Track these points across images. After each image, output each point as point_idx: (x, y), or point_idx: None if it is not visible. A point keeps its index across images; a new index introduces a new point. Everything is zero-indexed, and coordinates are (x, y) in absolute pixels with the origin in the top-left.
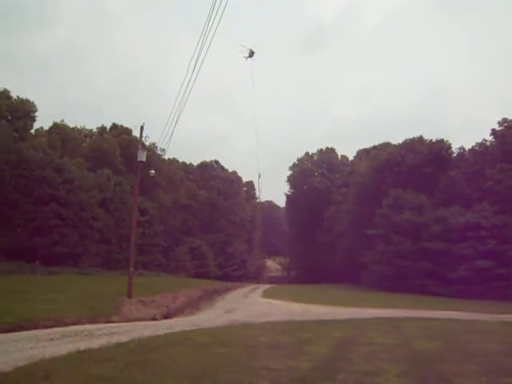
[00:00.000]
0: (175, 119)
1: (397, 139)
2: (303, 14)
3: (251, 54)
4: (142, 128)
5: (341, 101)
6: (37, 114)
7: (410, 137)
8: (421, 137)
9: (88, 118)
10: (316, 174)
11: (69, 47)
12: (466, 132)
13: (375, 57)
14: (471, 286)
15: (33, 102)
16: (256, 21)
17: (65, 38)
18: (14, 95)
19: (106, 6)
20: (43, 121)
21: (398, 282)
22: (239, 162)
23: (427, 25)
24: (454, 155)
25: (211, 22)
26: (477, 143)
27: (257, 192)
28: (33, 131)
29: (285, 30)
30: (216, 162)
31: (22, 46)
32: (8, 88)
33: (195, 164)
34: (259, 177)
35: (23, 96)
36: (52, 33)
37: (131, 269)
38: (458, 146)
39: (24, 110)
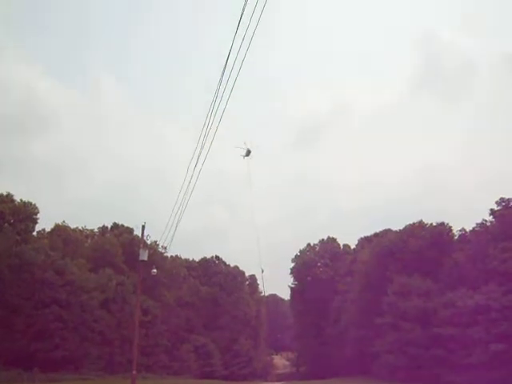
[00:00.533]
0: (176, 219)
1: (397, 225)
2: (297, 112)
3: (248, 152)
4: (143, 227)
5: (339, 191)
6: (39, 215)
7: (410, 222)
8: (421, 221)
9: (89, 217)
10: (319, 265)
11: (69, 150)
12: (466, 213)
13: (370, 146)
14: (486, 371)
15: (35, 205)
16: (252, 116)
17: (65, 141)
18: (17, 198)
19: (104, 110)
20: (45, 222)
21: (411, 372)
22: (241, 256)
23: (419, 112)
24: (456, 237)
25: (209, 121)
26: (477, 224)
27: (260, 287)
28: (35, 233)
29: (280, 126)
30: (217, 257)
31: (23, 150)
32: (11, 192)
33: (197, 259)
34: (262, 271)
35: (25, 199)
36: (53, 136)
37: (134, 372)
38: (459, 228)
39: (26, 213)
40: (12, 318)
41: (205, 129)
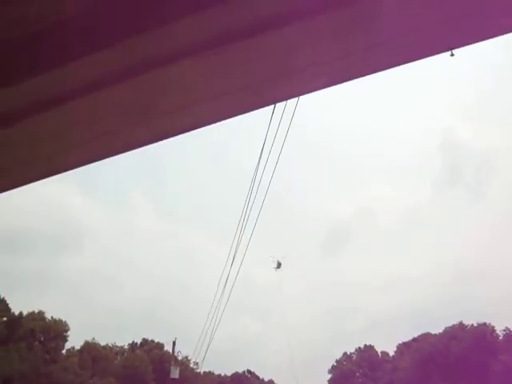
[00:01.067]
0: (209, 335)
1: (436, 328)
2: (322, 216)
3: (279, 265)
4: (174, 344)
5: (372, 294)
6: (69, 333)
7: (450, 324)
8: (461, 322)
9: (119, 333)
10: (357, 375)
11: (97, 267)
12: (506, 310)
13: (399, 249)
14: None
15: (65, 322)
16: (279, 224)
17: (95, 259)
18: (48, 316)
19: (133, 224)
20: (75, 340)
21: None
22: (273, 369)
23: (447, 211)
24: (501, 338)
25: (239, 237)
26: None
27: None
28: (64, 351)
29: (305, 234)
30: (249, 371)
31: (53, 266)
32: (43, 309)
33: (229, 373)
34: None
35: (56, 316)
36: (84, 255)
37: None
38: (503, 328)
39: (57, 331)
40: None
41: (234, 246)
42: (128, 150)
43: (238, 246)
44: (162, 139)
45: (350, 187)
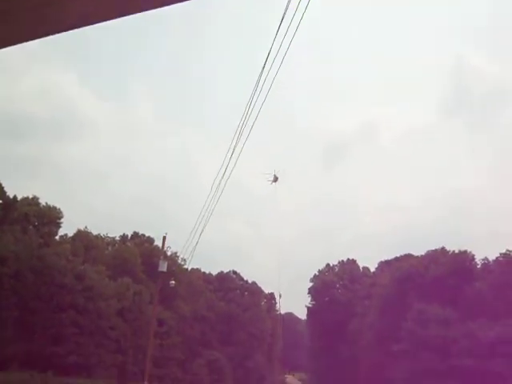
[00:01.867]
0: (198, 232)
1: (419, 250)
2: (323, 131)
3: (276, 179)
4: (164, 238)
5: (362, 213)
6: (62, 220)
7: (432, 248)
8: (443, 248)
9: (111, 226)
10: (337, 286)
11: (95, 159)
12: (491, 240)
13: (396, 168)
14: None
15: (59, 209)
16: (278, 136)
17: (93, 148)
18: (42, 201)
19: (134, 122)
20: (68, 227)
21: None
22: (259, 273)
23: (446, 136)
24: (479, 266)
25: (237, 140)
26: (501, 254)
27: (277, 306)
28: (57, 237)
29: (306, 146)
30: (234, 272)
31: (54, 153)
32: (37, 195)
33: (214, 273)
34: (280, 297)
35: (50, 203)
36: (81, 146)
37: (146, 383)
38: (482, 257)
39: (51, 217)
40: (30, 319)
41: (232, 147)
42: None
43: (235, 147)
44: None
45: (353, 106)
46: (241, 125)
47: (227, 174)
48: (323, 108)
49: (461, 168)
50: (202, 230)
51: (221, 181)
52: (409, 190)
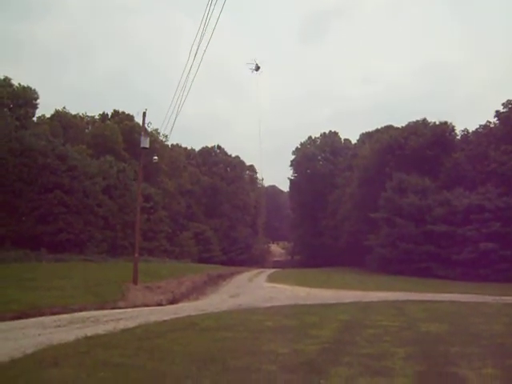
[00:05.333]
0: (178, 105)
1: (400, 122)
2: (304, 1)
3: (257, 67)
4: (144, 114)
5: (343, 85)
6: (38, 101)
7: (414, 120)
8: (424, 119)
9: (89, 104)
10: (319, 158)
11: (70, 35)
12: (471, 114)
13: (376, 40)
14: (475, 269)
15: (34, 90)
16: (258, 5)
17: (66, 25)
18: (15, 83)
19: None
20: (45, 109)
21: (402, 265)
22: (242, 145)
23: (429, 6)
24: (458, 137)
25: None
26: (480, 125)
27: (259, 175)
28: (35, 119)
29: (285, 15)
30: (218, 147)
31: (24, 34)
32: (9, 76)
33: (197, 149)
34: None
35: (25, 83)
36: (54, 21)
37: (136, 255)
38: (462, 129)
39: (26, 98)
40: (15, 202)
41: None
42: None
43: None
44: None
45: None
46: None
47: (206, 41)
48: None
49: (444, 41)
50: (182, 102)
51: (198, 46)
52: (393, 63)
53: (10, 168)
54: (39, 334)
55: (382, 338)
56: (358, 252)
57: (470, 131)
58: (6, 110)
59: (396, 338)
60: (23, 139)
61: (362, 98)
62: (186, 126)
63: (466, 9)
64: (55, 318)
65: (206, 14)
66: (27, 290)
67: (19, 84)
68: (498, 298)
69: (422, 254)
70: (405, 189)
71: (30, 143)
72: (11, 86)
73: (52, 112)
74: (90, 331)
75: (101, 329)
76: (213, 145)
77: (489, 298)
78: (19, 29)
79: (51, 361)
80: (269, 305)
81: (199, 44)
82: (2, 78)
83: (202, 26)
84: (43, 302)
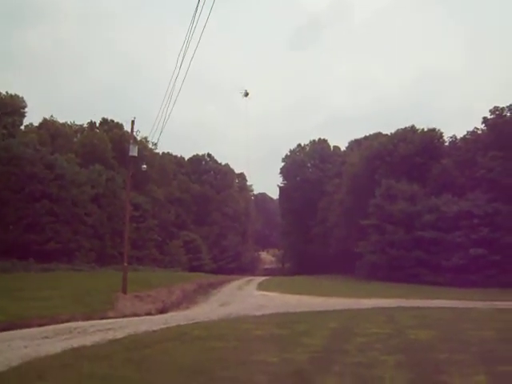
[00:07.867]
0: (166, 114)
1: (389, 130)
2: (293, 9)
3: (246, 94)
4: (132, 122)
5: (332, 92)
6: (26, 109)
7: (402, 127)
8: (413, 126)
9: (78, 113)
10: (308, 166)
11: (58, 43)
12: (459, 121)
13: (365, 48)
14: (465, 274)
15: (22, 98)
16: (247, 12)
17: (55, 34)
18: (2, 91)
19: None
20: (33, 117)
21: (392, 271)
22: (231, 153)
23: (418, 14)
24: (446, 144)
25: (200, 11)
26: (468, 132)
27: (249, 183)
28: (22, 127)
29: (275, 24)
30: (208, 155)
31: (12, 42)
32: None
33: (187, 157)
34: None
35: (12, 92)
36: (42, 29)
37: (125, 264)
38: (450, 135)
39: (13, 106)
40: (2, 210)
41: (195, 14)
42: None
43: (197, 19)
44: None
45: None
46: None
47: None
48: None
49: (436, 49)
50: (171, 108)
51: (186, 51)
52: (383, 72)
53: None
54: (25, 346)
55: (372, 345)
56: (348, 259)
57: (458, 138)
58: None
59: (386, 346)
60: (10, 148)
61: (351, 106)
62: (176, 133)
63: (458, 17)
64: (43, 329)
65: (192, 22)
66: (15, 300)
67: (6, 92)
68: (487, 303)
69: (412, 260)
70: (394, 195)
71: (17, 152)
72: None
73: (40, 120)
74: (77, 342)
75: (88, 340)
76: (203, 153)
77: (478, 304)
78: (7, 37)
79: (35, 374)
80: (259, 313)
81: (186, 51)
82: None
83: (189, 34)
84: (31, 312)
